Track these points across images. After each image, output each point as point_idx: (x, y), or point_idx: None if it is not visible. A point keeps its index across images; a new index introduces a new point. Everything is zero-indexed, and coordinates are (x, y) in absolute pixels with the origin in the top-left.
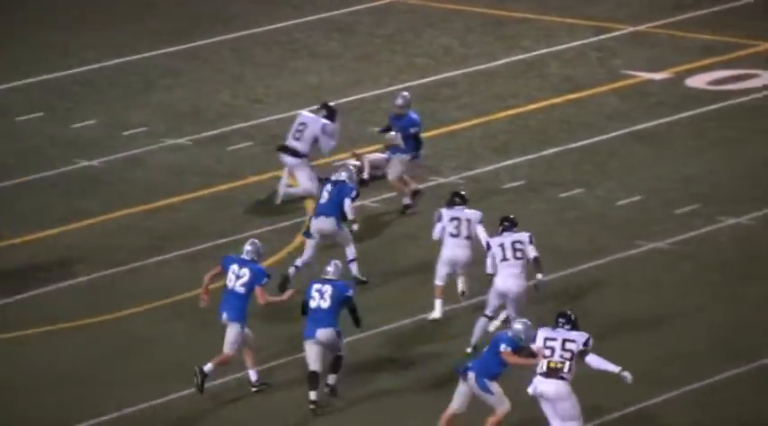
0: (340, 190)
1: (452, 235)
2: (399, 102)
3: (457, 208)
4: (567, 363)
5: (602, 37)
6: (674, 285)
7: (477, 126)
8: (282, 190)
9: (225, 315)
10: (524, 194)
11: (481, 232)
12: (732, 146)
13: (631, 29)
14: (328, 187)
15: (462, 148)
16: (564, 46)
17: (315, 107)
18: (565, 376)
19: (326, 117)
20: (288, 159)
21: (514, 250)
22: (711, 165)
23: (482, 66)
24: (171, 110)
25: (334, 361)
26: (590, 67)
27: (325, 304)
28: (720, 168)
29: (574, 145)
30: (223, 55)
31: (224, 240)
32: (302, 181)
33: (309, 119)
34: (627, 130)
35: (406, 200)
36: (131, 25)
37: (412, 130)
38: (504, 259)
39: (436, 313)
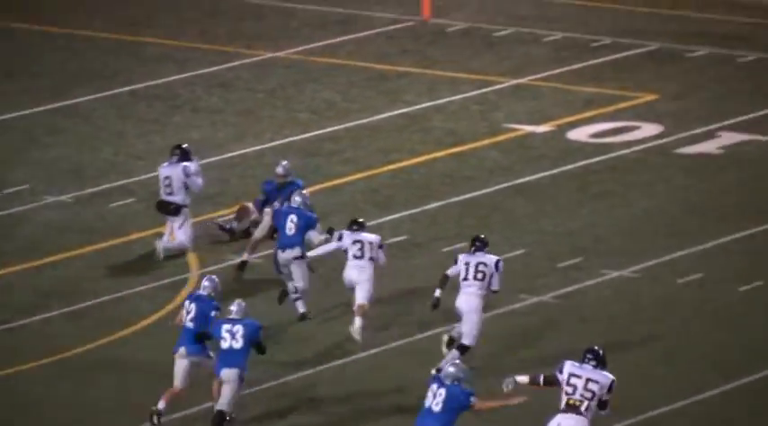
0: (306, 220)
1: (356, 257)
2: (280, 170)
3: (356, 231)
4: (586, 402)
5: (484, 90)
6: (557, 338)
7: (360, 180)
8: (161, 245)
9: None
10: (408, 249)
11: (382, 256)
12: (614, 199)
13: (513, 82)
14: (293, 217)
15: (346, 203)
16: (446, 99)
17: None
18: (583, 413)
19: (183, 159)
20: (168, 215)
21: (476, 271)
22: (594, 218)
23: (365, 121)
24: (52, 167)
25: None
26: (472, 121)
27: (238, 344)
28: (603, 221)
29: (456, 198)
30: (104, 112)
31: (107, 297)
32: (178, 235)
33: (169, 169)
34: (509, 184)
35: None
36: (12, 83)
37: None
38: (465, 278)
39: (355, 330)
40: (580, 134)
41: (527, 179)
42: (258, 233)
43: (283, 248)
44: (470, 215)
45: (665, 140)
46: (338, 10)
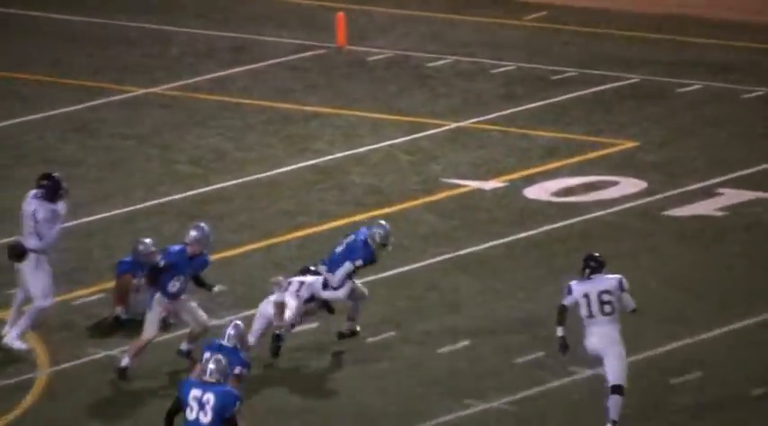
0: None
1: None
2: (141, 248)
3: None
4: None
5: (415, 136)
6: None
7: (257, 251)
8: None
9: None
10: (323, 343)
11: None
12: None
13: (453, 125)
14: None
15: (238, 281)
16: (368, 148)
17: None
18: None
19: (44, 195)
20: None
21: (601, 304)
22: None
23: (264, 175)
24: None
25: None
26: (401, 175)
27: (206, 418)
28: None
29: (382, 275)
30: None
31: None
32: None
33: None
34: (450, 255)
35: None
36: None
37: None
38: (590, 316)
39: None
40: (540, 191)
41: (473, 249)
42: (146, 333)
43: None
44: (400, 296)
45: (649, 200)
46: (230, 34)
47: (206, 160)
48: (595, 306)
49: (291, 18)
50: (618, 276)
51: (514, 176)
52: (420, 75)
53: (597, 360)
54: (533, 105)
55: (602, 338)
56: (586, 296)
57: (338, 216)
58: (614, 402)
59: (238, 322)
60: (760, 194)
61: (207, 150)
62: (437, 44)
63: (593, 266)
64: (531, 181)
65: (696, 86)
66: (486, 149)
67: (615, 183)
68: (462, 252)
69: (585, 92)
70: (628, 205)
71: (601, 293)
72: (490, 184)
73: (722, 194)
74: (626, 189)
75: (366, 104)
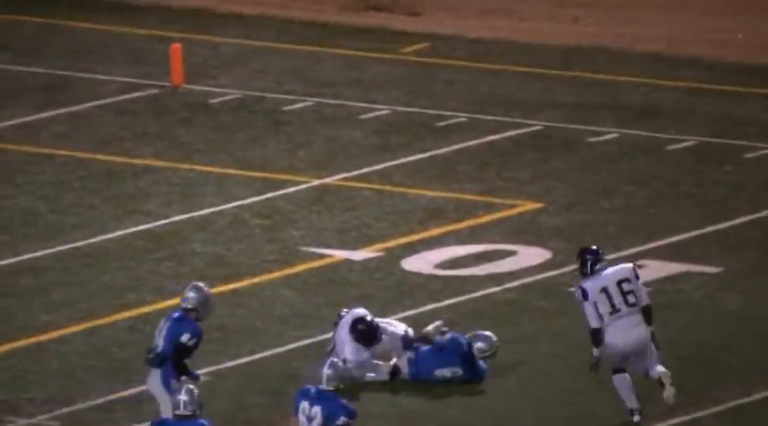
0: None
1: None
2: None
3: None
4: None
5: (270, 195)
6: None
7: (77, 336)
8: None
9: None
10: None
11: None
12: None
13: (315, 182)
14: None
15: (56, 373)
16: (211, 210)
17: None
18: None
19: None
20: None
21: (624, 294)
22: (448, 398)
23: (82, 243)
24: None
25: None
26: (252, 243)
27: None
28: (459, 402)
29: (230, 364)
30: None
31: None
32: None
33: None
34: (311, 340)
35: None
36: None
37: None
38: (615, 310)
39: None
40: (422, 263)
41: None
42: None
43: None
44: (252, 389)
45: (553, 273)
46: (40, 70)
47: (13, 226)
48: (618, 299)
49: (118, 51)
50: (629, 264)
51: (390, 245)
52: (275, 120)
53: (625, 360)
54: (413, 158)
55: (632, 332)
56: (604, 290)
57: (175, 294)
58: (668, 394)
59: (335, 359)
60: (688, 267)
61: (15, 211)
62: (297, 83)
63: (592, 258)
64: (409, 250)
65: (612, 135)
66: (356, 211)
67: (513, 254)
68: (327, 336)
69: (478, 141)
70: (528, 279)
71: (620, 283)
72: (360, 254)
73: (646, 266)
74: (525, 260)
75: (209, 156)
